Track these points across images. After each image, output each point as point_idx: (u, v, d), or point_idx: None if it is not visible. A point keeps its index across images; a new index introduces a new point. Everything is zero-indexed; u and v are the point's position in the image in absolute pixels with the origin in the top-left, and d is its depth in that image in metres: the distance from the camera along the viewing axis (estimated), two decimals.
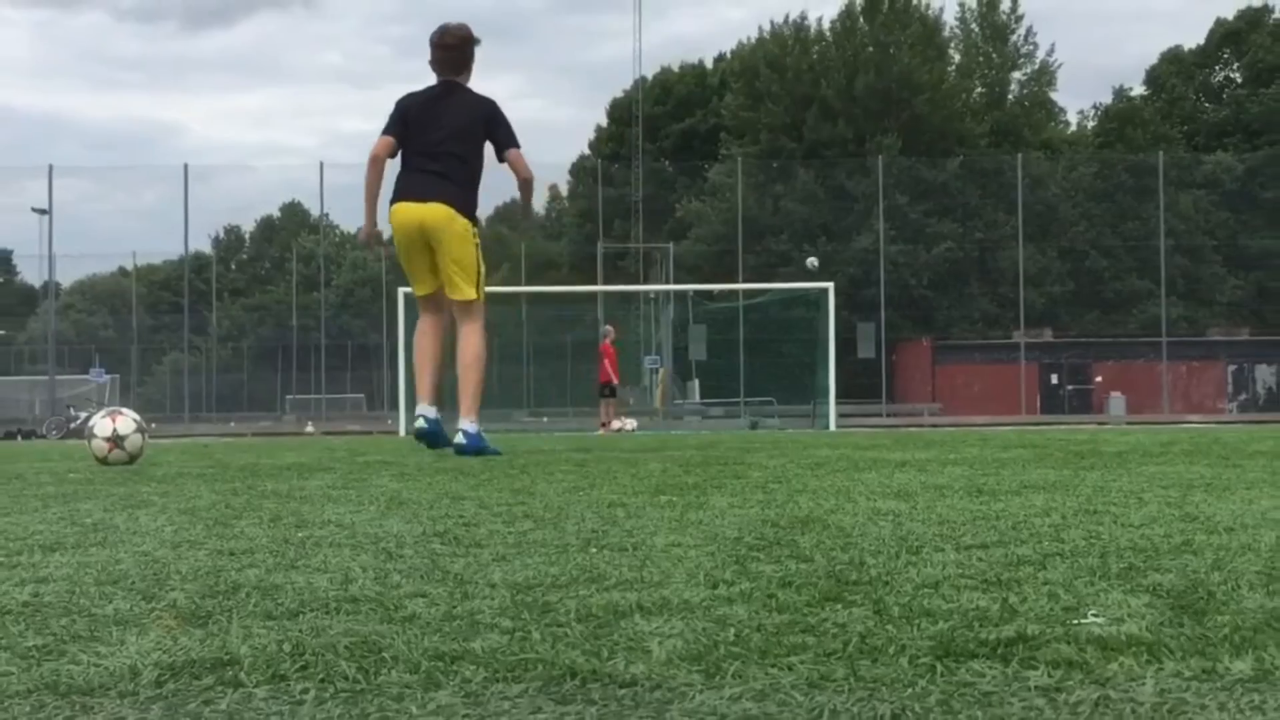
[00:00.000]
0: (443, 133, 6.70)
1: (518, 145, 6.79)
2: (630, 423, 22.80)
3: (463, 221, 6.70)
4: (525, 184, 6.97)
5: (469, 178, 6.79)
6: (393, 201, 6.77)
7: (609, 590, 1.85)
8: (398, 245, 6.86)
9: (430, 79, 6.92)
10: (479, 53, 6.98)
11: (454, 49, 6.87)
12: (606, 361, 22.07)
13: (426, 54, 6.90)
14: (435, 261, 6.75)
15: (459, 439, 6.58)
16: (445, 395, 7.06)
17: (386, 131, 6.78)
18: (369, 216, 7.01)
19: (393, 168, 6.84)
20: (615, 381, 22.72)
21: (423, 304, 6.98)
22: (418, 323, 7.08)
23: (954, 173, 45.00)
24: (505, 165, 6.81)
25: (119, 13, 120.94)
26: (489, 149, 6.84)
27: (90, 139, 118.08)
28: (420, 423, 6.82)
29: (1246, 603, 1.66)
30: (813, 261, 23.56)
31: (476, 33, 6.99)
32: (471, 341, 6.81)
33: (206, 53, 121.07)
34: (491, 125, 6.77)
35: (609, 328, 23.76)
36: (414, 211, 6.68)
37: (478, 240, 6.80)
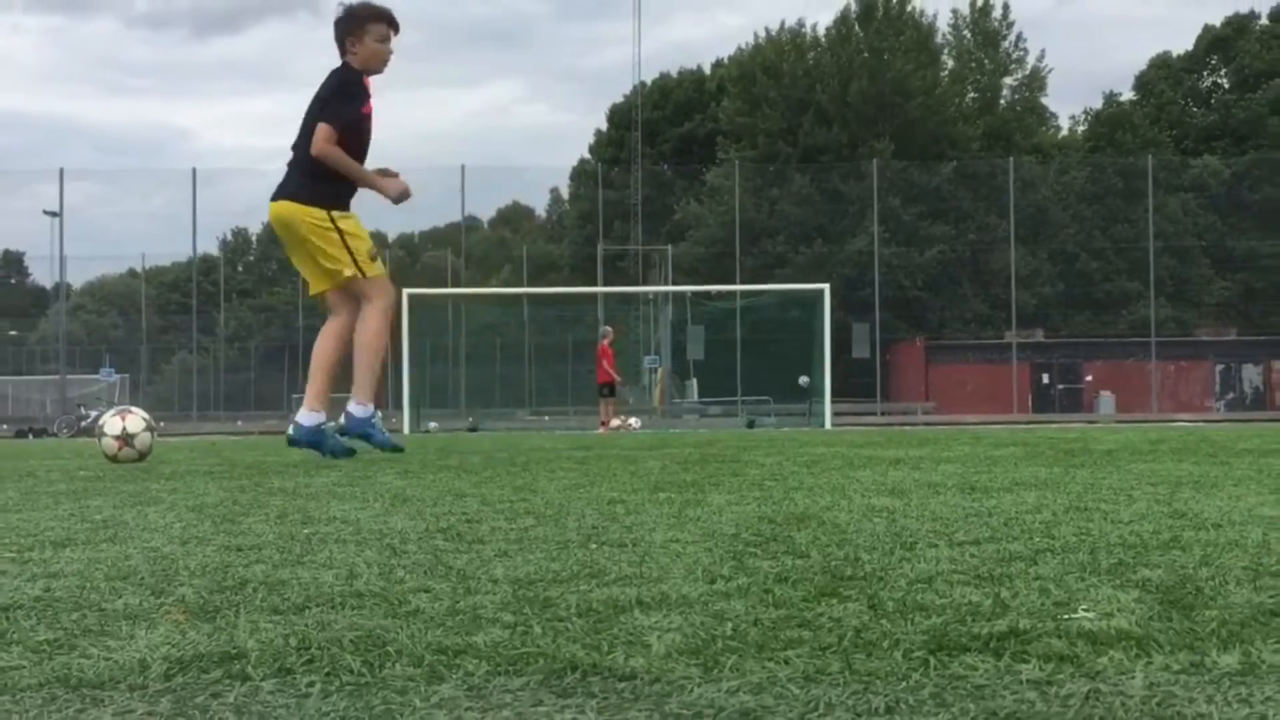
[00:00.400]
0: (302, 120, 6.08)
1: (327, 119, 5.90)
2: (634, 422, 22.80)
3: (314, 212, 5.97)
4: (335, 163, 5.96)
5: (310, 164, 5.96)
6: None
7: (609, 585, 1.85)
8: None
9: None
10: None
11: (334, 26, 6.13)
12: (605, 362, 22.10)
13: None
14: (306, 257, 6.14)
15: (342, 419, 6.13)
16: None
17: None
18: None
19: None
20: (615, 381, 22.75)
21: (324, 304, 6.33)
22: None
23: (947, 176, 44.98)
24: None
25: (130, 19, 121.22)
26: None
27: (101, 143, 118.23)
28: (290, 430, 6.27)
29: (1234, 597, 1.66)
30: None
31: (359, 9, 6.09)
32: (368, 322, 6.11)
33: (215, 59, 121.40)
34: (315, 104, 6.02)
35: (608, 329, 23.76)
36: (271, 212, 6.10)
37: (340, 224, 6.01)
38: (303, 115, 6.08)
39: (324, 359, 6.24)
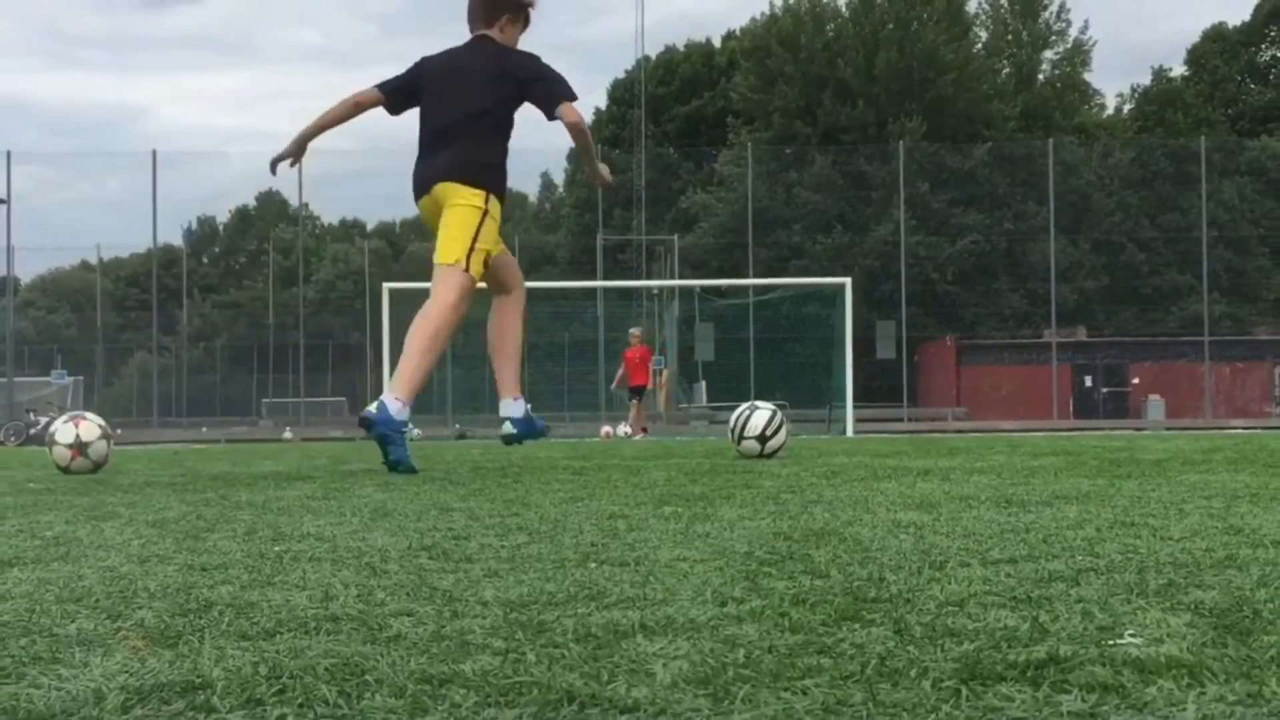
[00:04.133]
0: (457, 101, 6.22)
1: (569, 97, 6.18)
2: (623, 429, 23.12)
3: (471, 191, 6.16)
4: (582, 139, 6.32)
5: (488, 149, 6.24)
6: (415, 199, 6.40)
7: (609, 608, 1.85)
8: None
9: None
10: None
11: None
12: (639, 362, 23.05)
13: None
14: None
15: (369, 410, 5.99)
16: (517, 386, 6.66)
17: (383, 85, 6.42)
18: (299, 140, 6.44)
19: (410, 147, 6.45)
20: (645, 385, 23.73)
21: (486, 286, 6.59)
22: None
23: (981, 159, 44.99)
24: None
25: None
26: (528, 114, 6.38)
27: (50, 123, 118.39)
28: (506, 428, 6.49)
29: None
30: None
31: None
32: (432, 309, 6.11)
33: (173, 29, 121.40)
34: (525, 85, 6.24)
35: (637, 330, 24.74)
36: (425, 204, 6.30)
37: (488, 212, 6.19)
38: (469, 93, 6.20)
39: (508, 342, 6.59)
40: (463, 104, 6.21)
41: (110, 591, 2.11)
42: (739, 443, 6.98)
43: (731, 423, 7.10)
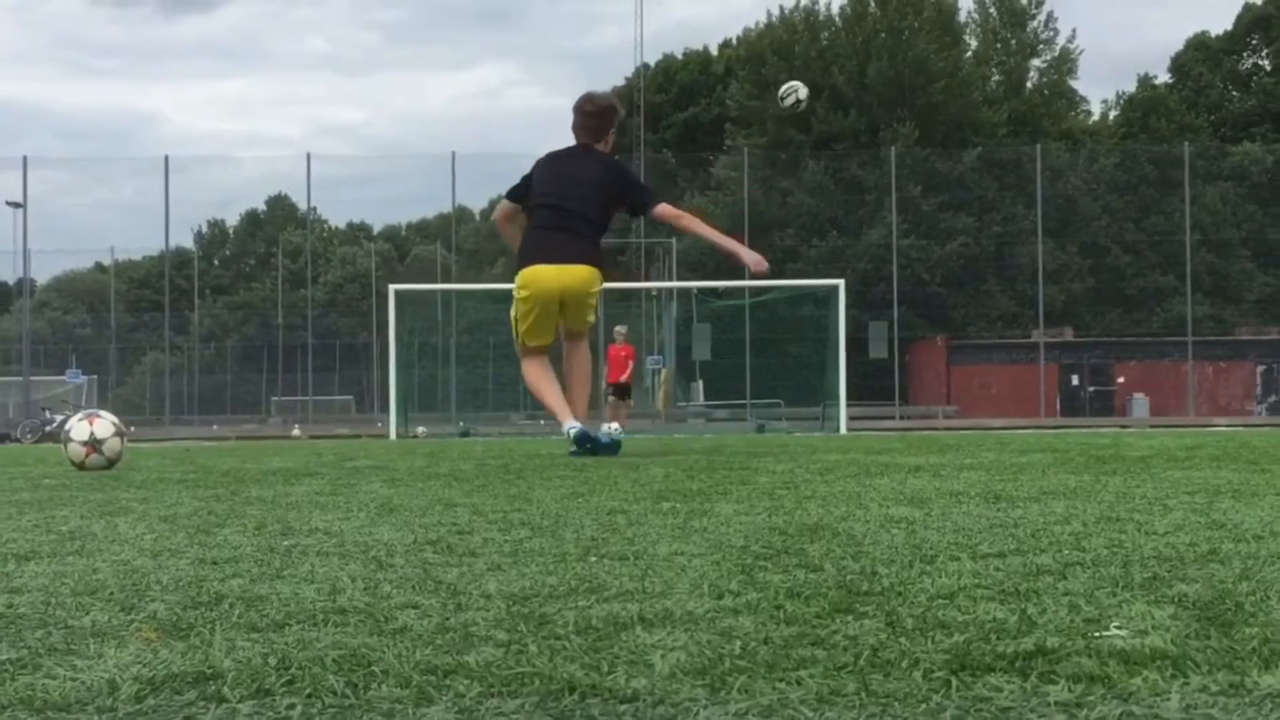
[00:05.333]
0: (576, 194, 7.20)
1: (656, 200, 7.46)
2: (613, 426, 22.99)
3: (599, 279, 7.40)
4: (689, 225, 7.57)
5: (597, 237, 7.40)
6: (528, 262, 7.23)
7: (609, 601, 1.85)
8: (529, 302, 7.29)
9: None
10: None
11: (594, 116, 7.35)
12: (620, 360, 22.67)
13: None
14: (562, 316, 7.35)
15: (601, 438, 7.16)
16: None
17: (512, 195, 7.47)
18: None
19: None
20: (627, 381, 23.24)
21: (531, 350, 7.52)
22: (526, 363, 7.59)
23: (970, 164, 44.96)
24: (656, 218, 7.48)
25: None
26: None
27: (66, 129, 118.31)
28: (572, 433, 7.16)
29: (1276, 614, 1.66)
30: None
31: (622, 105, 7.64)
32: (585, 357, 7.54)
33: (185, 38, 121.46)
34: (623, 188, 7.41)
35: (622, 328, 24.22)
36: (556, 276, 7.19)
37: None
38: (584, 189, 7.24)
39: (553, 381, 7.52)
40: (586, 204, 7.24)
41: (124, 585, 2.11)
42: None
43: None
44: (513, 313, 7.47)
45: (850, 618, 1.68)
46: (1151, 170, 45.26)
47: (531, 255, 7.25)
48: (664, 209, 7.43)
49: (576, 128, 7.40)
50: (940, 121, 46.73)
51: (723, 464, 5.73)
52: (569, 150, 7.43)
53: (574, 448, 7.02)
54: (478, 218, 66.30)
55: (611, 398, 22.80)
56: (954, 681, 1.31)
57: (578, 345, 7.52)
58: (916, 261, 43.32)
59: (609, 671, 1.38)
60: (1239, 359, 42.34)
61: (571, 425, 7.11)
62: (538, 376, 7.54)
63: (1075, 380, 42.47)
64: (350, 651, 1.51)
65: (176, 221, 56.65)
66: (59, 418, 28.79)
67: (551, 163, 7.38)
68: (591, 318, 7.46)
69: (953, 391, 42.16)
